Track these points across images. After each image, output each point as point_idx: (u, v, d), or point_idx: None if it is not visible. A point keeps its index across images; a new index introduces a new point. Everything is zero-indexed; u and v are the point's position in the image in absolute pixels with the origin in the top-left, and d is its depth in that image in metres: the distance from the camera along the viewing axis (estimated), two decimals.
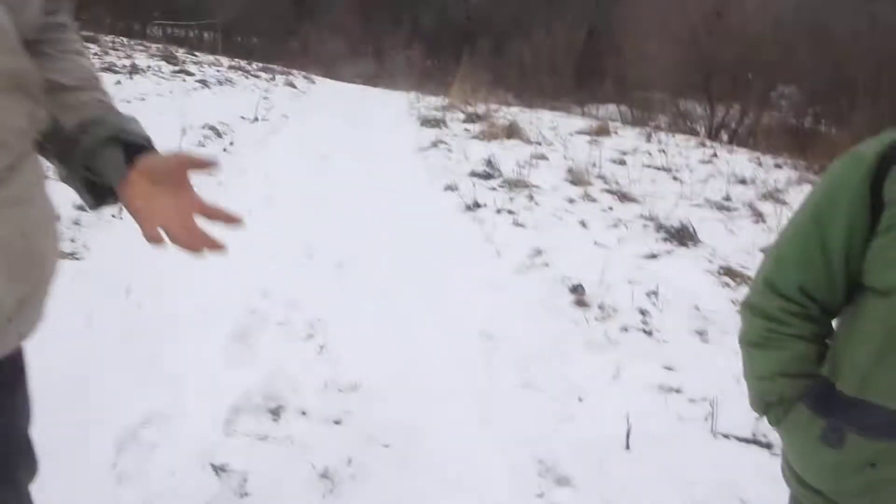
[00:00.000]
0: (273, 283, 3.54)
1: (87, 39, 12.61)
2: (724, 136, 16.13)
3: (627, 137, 12.43)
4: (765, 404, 1.20)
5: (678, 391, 3.04)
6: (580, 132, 12.32)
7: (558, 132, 12.09)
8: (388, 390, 2.71)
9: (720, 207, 7.01)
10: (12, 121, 0.82)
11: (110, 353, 2.49)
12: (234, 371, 2.65)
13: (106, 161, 0.96)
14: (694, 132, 15.69)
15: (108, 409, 2.20)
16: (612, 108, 19.82)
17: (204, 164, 0.97)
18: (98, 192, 0.99)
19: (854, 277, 1.10)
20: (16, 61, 0.82)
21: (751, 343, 1.22)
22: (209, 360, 2.60)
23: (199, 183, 1.05)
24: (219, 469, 2.07)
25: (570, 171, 8.03)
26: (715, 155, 10.84)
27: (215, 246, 0.98)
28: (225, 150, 6.93)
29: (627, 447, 2.62)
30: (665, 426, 2.77)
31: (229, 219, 0.96)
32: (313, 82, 16.96)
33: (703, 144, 12.56)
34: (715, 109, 17.28)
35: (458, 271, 4.31)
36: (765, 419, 1.23)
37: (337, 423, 2.44)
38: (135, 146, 0.99)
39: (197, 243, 0.97)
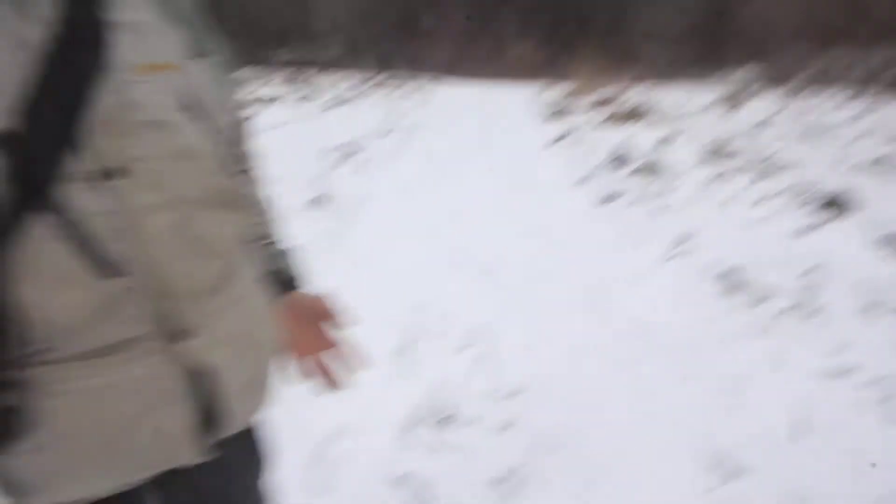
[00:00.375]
0: (425, 296, 3.73)
1: None
2: (880, 86, 14.89)
3: (768, 100, 11.85)
4: None
5: (847, 375, 2.93)
6: (715, 102, 11.88)
7: (691, 105, 11.72)
8: (549, 393, 2.81)
9: (879, 168, 6.57)
10: (224, 233, 0.96)
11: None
12: (402, 384, 2.84)
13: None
14: (844, 85, 14.58)
15: (298, 427, 2.45)
16: (749, 68, 18.85)
17: (337, 320, 1.12)
18: None
19: None
20: (222, 181, 0.96)
21: None
22: (379, 375, 2.80)
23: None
24: (401, 480, 2.25)
25: (707, 147, 7.79)
26: (869, 108, 10.11)
27: (335, 386, 1.12)
28: (361, 168, 7.29)
29: (799, 435, 2.58)
30: (837, 412, 2.69)
31: (356, 363, 1.09)
32: (436, 84, 17.34)
33: (855, 97, 11.72)
34: (869, 54, 15.94)
35: (601, 266, 4.34)
36: None
37: (504, 429, 2.58)
38: (288, 281, 1.15)
39: (323, 379, 1.13)
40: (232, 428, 0.98)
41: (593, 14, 23.37)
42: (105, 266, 0.81)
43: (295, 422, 2.36)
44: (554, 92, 15.31)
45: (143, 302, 0.85)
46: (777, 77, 16.45)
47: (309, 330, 1.13)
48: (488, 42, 21.20)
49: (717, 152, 7.51)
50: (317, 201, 5.58)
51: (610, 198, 5.98)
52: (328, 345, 1.13)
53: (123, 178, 0.82)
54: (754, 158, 7.20)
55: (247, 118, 1.13)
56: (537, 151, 8.73)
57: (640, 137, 8.66)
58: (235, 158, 1.06)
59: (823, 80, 14.72)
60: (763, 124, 9.29)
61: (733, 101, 11.64)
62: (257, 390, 1.04)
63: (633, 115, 10.36)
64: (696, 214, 5.33)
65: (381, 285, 3.84)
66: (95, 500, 0.89)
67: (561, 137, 9.24)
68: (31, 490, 0.87)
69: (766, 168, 6.72)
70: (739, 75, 18.62)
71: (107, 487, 0.89)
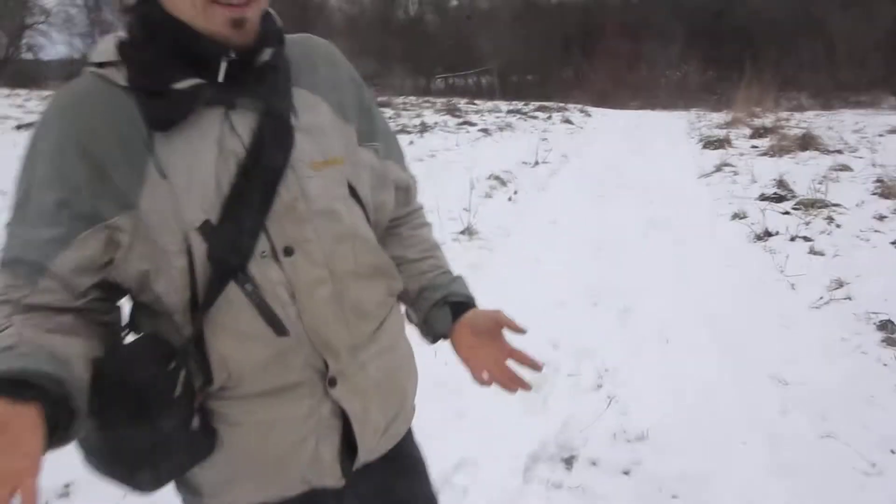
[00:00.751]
0: (561, 333, 3.80)
1: (381, 104, 14.37)
2: None
3: None
4: None
5: None
6: (893, 130, 11.02)
7: (864, 134, 10.96)
8: (676, 440, 2.81)
9: None
10: (375, 297, 1.18)
11: (424, 405, 2.94)
12: (529, 421, 2.94)
13: (437, 318, 1.28)
14: None
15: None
16: None
17: (514, 326, 1.24)
18: (436, 337, 1.32)
19: None
20: (376, 258, 1.18)
21: None
22: (508, 410, 2.92)
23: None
24: None
25: (879, 181, 7.27)
26: None
27: (524, 386, 1.24)
28: (510, 198, 7.46)
29: None
30: None
31: (533, 365, 1.22)
32: (589, 115, 17.26)
33: None
34: None
35: (748, 309, 4.21)
36: None
37: (626, 472, 2.61)
38: (461, 304, 1.29)
39: (511, 384, 1.25)
40: (370, 457, 1.20)
41: (766, 35, 22.36)
42: (279, 326, 1.04)
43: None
44: (714, 118, 14.80)
45: (305, 355, 1.08)
46: None
47: (487, 342, 1.26)
48: (644, 68, 20.82)
49: (892, 187, 6.98)
50: (466, 231, 5.80)
51: (764, 235, 5.74)
52: (505, 352, 1.26)
53: (296, 256, 1.05)
54: None
55: (413, 179, 1.35)
56: (690, 181, 8.51)
57: (805, 169, 8.23)
58: (403, 217, 1.32)
59: None
60: None
61: None
62: (398, 422, 1.26)
63: (798, 144, 9.82)
64: (859, 257, 5.02)
65: (518, 320, 3.95)
66: None
67: (717, 168, 8.94)
68: (207, 494, 1.13)
69: None
70: None
71: (265, 498, 1.13)
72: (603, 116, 17.48)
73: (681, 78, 20.39)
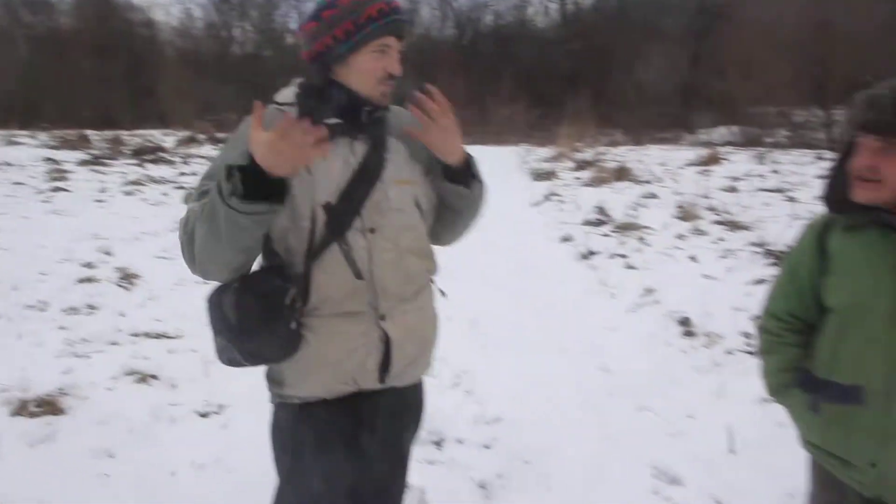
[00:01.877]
0: None
1: (222, 140, 14.31)
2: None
3: (739, 162, 12.51)
4: (775, 391, 1.77)
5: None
6: (690, 164, 12.54)
7: (668, 167, 12.40)
8: (525, 421, 3.34)
9: None
10: (419, 269, 1.77)
11: None
12: None
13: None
14: (811, 145, 15.41)
15: None
16: (722, 131, 19.72)
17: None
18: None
19: (819, 301, 1.66)
20: (424, 245, 1.78)
21: (762, 351, 1.81)
22: None
23: None
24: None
25: (679, 206, 8.40)
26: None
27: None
28: None
29: (732, 451, 3.10)
30: (766, 432, 3.21)
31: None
32: None
33: (821, 157, 12.43)
34: (832, 117, 16.84)
35: (577, 316, 4.90)
36: (776, 400, 1.80)
37: (487, 447, 3.10)
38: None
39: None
40: (397, 380, 1.74)
41: (585, 76, 24.43)
42: (357, 272, 1.63)
43: None
44: (542, 152, 16.08)
45: (370, 295, 1.66)
46: (752, 137, 17.34)
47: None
48: (477, 106, 22.11)
49: (690, 211, 8.13)
50: None
51: (588, 254, 6.56)
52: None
53: (376, 233, 1.65)
54: (723, 217, 7.82)
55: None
56: (523, 209, 9.37)
57: (620, 197, 9.31)
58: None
59: (792, 141, 15.59)
60: (734, 184, 9.94)
61: (709, 161, 12.34)
62: (418, 365, 1.81)
63: (615, 175, 11.01)
64: (665, 269, 5.91)
65: None
66: (319, 401, 1.70)
67: (546, 198, 9.88)
68: (288, 385, 1.70)
69: (732, 225, 7.33)
70: (718, 134, 19.55)
71: (327, 391, 1.69)
72: None
73: (511, 115, 21.85)
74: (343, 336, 1.66)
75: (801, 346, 1.73)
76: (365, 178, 1.66)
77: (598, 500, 2.75)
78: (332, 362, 1.66)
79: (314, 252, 1.61)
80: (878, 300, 1.53)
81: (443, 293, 1.89)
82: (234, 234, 1.48)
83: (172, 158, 11.90)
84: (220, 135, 15.08)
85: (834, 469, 1.66)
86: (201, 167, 10.72)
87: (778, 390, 1.78)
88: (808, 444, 1.73)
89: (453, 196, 1.78)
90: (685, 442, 3.21)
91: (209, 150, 12.89)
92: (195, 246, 1.56)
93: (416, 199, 1.74)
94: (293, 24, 32.06)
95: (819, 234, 1.67)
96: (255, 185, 1.44)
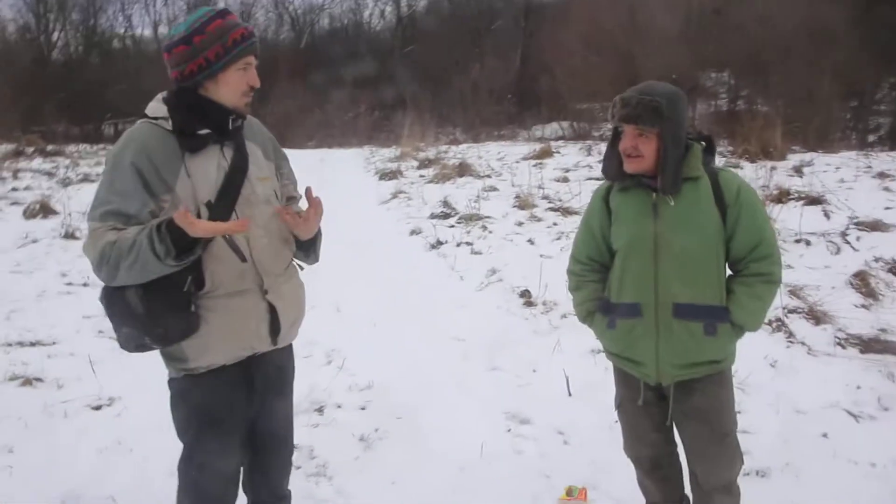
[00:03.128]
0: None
1: (52, 153, 13.53)
2: None
3: (569, 154, 13.58)
4: (584, 318, 2.34)
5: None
6: (525, 158, 13.42)
7: (505, 161, 13.22)
8: (393, 386, 3.78)
9: None
10: (286, 249, 2.15)
11: None
12: None
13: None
14: None
15: None
16: (554, 126, 21.09)
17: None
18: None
19: (609, 246, 2.22)
20: (285, 230, 2.11)
21: (571, 289, 2.38)
22: None
23: None
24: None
25: (517, 197, 9.13)
26: None
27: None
28: None
29: (570, 394, 3.69)
30: (596, 377, 3.82)
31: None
32: None
33: None
34: None
35: (432, 297, 5.39)
36: (586, 324, 2.37)
37: (362, 409, 3.51)
38: None
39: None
40: (283, 340, 2.13)
41: (422, 78, 25.14)
42: (241, 256, 1.97)
43: None
44: (386, 153, 16.52)
45: (253, 274, 2.01)
46: (581, 131, 18.75)
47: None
48: (317, 113, 22.25)
49: (526, 201, 8.87)
50: None
51: (437, 244, 7.08)
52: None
53: (250, 223, 1.93)
54: (556, 204, 8.63)
55: (296, 187, 2.34)
56: (373, 207, 9.76)
57: (463, 191, 9.93)
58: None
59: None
60: (566, 175, 10.87)
61: (543, 155, 13.30)
62: (296, 325, 2.21)
63: (456, 171, 11.63)
64: (506, 252, 6.54)
65: None
66: (220, 367, 2.02)
67: (393, 196, 10.33)
68: (191, 359, 1.98)
69: (564, 211, 8.13)
70: (551, 130, 20.92)
71: (228, 358, 2.01)
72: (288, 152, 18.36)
73: (352, 118, 22.16)
74: (237, 312, 2.00)
75: (599, 281, 2.32)
76: (236, 178, 2.00)
77: (462, 441, 3.22)
78: (231, 334, 2.00)
79: (203, 244, 1.89)
80: (643, 240, 2.14)
81: (301, 267, 2.28)
82: (157, 272, 1.84)
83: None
84: (49, 147, 14.22)
85: (628, 368, 2.25)
86: (35, 181, 10.22)
87: (586, 317, 2.36)
88: (610, 353, 2.32)
89: (297, 254, 2.24)
90: (532, 390, 3.77)
91: (41, 163, 12.19)
92: (118, 273, 1.85)
93: (275, 191, 2.13)
94: (121, 28, 30.55)
95: (603, 196, 2.29)
96: (185, 243, 1.80)
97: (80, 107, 23.91)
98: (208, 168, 1.96)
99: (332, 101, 24.00)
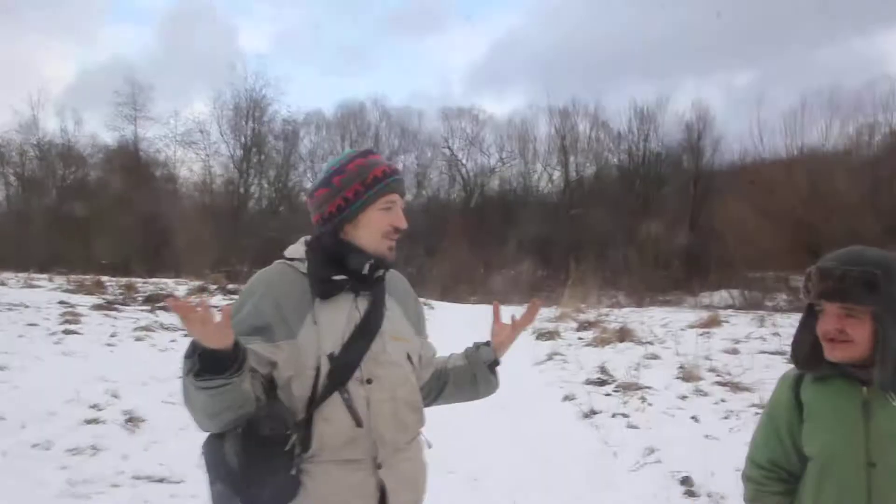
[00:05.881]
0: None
1: (232, 291, 14.64)
2: None
3: (739, 325, 12.68)
4: None
5: None
6: (692, 325, 12.71)
7: (669, 328, 12.56)
8: None
9: None
10: (413, 420, 1.89)
11: None
12: None
13: (481, 355, 2.18)
14: None
15: None
16: (723, 294, 20.07)
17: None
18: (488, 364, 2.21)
19: (799, 450, 1.78)
20: (417, 397, 1.92)
21: (747, 500, 1.90)
22: None
23: None
24: None
25: (681, 367, 8.48)
26: None
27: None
28: None
29: None
30: None
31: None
32: (432, 307, 18.34)
33: None
34: None
35: (581, 474, 4.88)
36: None
37: None
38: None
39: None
40: None
41: (587, 241, 25.21)
42: (358, 420, 1.73)
43: None
44: (545, 312, 16.31)
45: (368, 443, 1.75)
46: (752, 300, 17.64)
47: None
48: (482, 267, 22.71)
49: (691, 372, 8.20)
50: None
51: (590, 413, 6.59)
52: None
53: (373, 384, 1.77)
54: (724, 378, 7.88)
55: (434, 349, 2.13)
56: (527, 368, 9.43)
57: (622, 357, 9.41)
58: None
59: (792, 305, 15.84)
60: (735, 346, 10.06)
61: (710, 324, 12.52)
62: None
63: (617, 336, 11.15)
64: (666, 429, 5.92)
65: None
66: None
67: (549, 357, 9.98)
68: None
69: (734, 386, 7.38)
70: (720, 297, 19.88)
71: None
72: (445, 310, 18.67)
73: (515, 276, 22.38)
74: (341, 484, 1.72)
75: (784, 493, 1.83)
76: (366, 332, 1.80)
77: None
78: None
79: (317, 400, 1.71)
80: (849, 449, 1.66)
81: (429, 445, 1.98)
82: (201, 402, 1.60)
83: None
84: (231, 286, 15.44)
85: None
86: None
87: None
88: None
89: (482, 381, 2.12)
90: None
91: (220, 299, 13.16)
92: (190, 410, 1.67)
93: (409, 354, 1.89)
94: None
95: (792, 386, 1.82)
96: (212, 360, 1.54)
97: (266, 251, 26.04)
98: (338, 317, 1.78)
99: (497, 258, 24.52)
